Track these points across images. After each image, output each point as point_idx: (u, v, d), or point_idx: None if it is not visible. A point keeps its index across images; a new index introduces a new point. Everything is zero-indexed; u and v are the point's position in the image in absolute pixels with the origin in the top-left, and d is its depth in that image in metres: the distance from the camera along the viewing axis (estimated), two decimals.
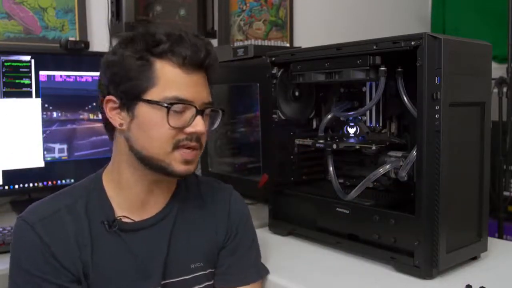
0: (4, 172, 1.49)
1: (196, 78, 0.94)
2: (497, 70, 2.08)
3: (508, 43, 2.20)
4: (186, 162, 0.94)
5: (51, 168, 1.57)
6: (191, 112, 0.92)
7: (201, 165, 1.98)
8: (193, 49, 0.92)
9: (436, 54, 1.03)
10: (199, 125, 0.93)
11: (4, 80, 1.48)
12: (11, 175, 1.50)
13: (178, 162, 0.93)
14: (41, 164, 1.55)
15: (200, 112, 0.93)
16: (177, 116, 0.91)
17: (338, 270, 1.15)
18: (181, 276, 1.00)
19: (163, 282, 0.97)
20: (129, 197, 0.98)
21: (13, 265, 0.92)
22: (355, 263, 1.18)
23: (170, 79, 0.91)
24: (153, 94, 0.91)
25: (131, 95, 0.92)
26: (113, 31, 1.87)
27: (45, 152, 1.56)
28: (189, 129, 0.92)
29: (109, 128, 0.98)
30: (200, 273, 1.02)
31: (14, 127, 1.50)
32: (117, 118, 0.94)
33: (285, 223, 1.39)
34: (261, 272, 1.10)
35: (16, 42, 1.72)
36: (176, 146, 0.92)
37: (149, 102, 0.91)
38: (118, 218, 0.95)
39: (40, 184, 1.56)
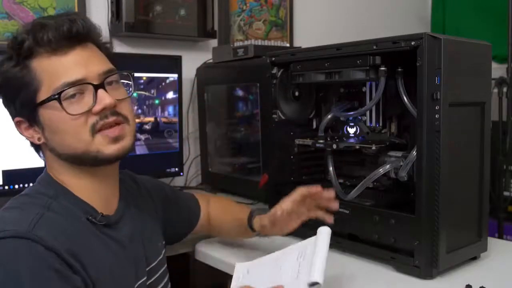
0: (4, 172, 1.49)
1: (76, 54, 0.85)
2: (497, 70, 2.08)
3: (508, 43, 2.20)
4: (115, 140, 0.86)
5: None
6: (89, 90, 0.85)
7: (201, 165, 1.99)
8: (56, 28, 0.84)
9: (436, 54, 1.03)
10: (104, 98, 0.84)
11: None
12: (11, 175, 1.50)
13: (105, 145, 0.86)
14: (41, 164, 1.55)
15: (100, 85, 0.85)
16: (76, 102, 0.84)
17: (338, 270, 1.15)
18: (157, 258, 1.03)
19: (147, 269, 0.98)
20: (99, 195, 0.92)
21: None
22: (355, 263, 1.18)
23: (50, 70, 0.84)
24: (43, 94, 0.84)
25: (27, 106, 0.86)
26: (113, 31, 1.87)
27: None
28: (96, 108, 0.84)
29: (36, 148, 0.93)
30: (163, 251, 1.07)
31: (14, 127, 1.50)
32: (33, 135, 0.89)
33: None
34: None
35: None
36: (95, 131, 0.85)
37: (43, 103, 0.84)
38: (101, 212, 0.90)
39: None
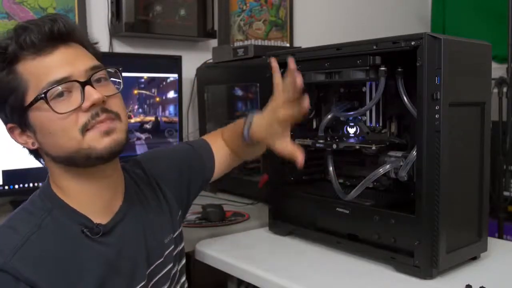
0: (4, 172, 1.49)
1: (60, 52, 0.84)
2: (497, 70, 2.08)
3: (508, 43, 2.20)
4: (106, 133, 0.84)
5: None
6: (76, 88, 0.83)
7: None
8: (38, 29, 0.82)
9: (436, 54, 1.03)
10: (92, 94, 0.82)
11: None
12: (11, 175, 1.50)
13: (97, 139, 0.83)
14: (41, 164, 1.55)
15: (87, 82, 0.83)
16: (64, 101, 0.82)
17: (338, 270, 1.15)
18: (162, 256, 1.00)
19: (147, 272, 0.95)
20: (94, 203, 0.90)
21: None
22: (355, 263, 1.18)
23: (36, 72, 0.83)
24: (31, 96, 0.83)
25: (17, 111, 0.85)
26: (113, 31, 1.87)
27: None
28: (84, 104, 0.82)
29: (35, 155, 0.92)
30: (172, 246, 1.03)
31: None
32: (27, 140, 0.88)
33: (285, 223, 1.38)
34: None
35: None
36: (86, 128, 0.83)
37: (31, 105, 0.83)
38: (96, 223, 0.88)
39: (40, 184, 1.56)
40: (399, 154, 1.18)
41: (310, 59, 1.28)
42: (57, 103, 0.82)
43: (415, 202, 1.07)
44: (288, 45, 1.94)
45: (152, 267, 0.98)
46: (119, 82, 0.92)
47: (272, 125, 1.08)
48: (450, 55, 1.03)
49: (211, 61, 1.93)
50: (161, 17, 1.90)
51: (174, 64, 1.80)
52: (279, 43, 1.80)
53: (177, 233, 1.07)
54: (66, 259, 0.84)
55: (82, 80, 0.83)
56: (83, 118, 0.83)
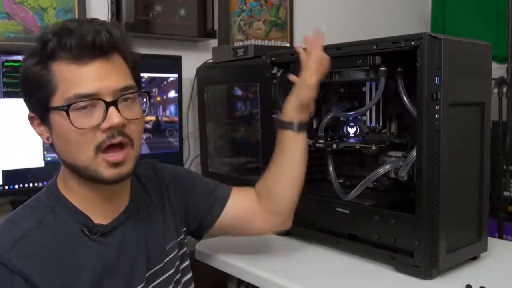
0: (4, 172, 1.49)
1: (95, 65, 0.83)
2: (497, 70, 2.08)
3: (508, 43, 2.20)
4: (114, 165, 0.85)
5: (51, 168, 1.57)
6: (101, 105, 0.83)
7: (201, 165, 1.98)
8: (80, 36, 0.82)
9: (436, 54, 1.03)
10: (113, 117, 0.82)
11: (4, 80, 1.48)
12: (11, 175, 1.50)
13: (104, 167, 0.85)
14: (41, 164, 1.55)
15: (112, 103, 0.83)
16: (87, 115, 0.83)
17: (338, 270, 1.15)
18: (162, 261, 1.00)
19: (146, 275, 0.96)
20: (97, 205, 0.91)
21: None
22: (355, 263, 1.18)
23: (67, 77, 0.83)
24: (57, 100, 0.84)
25: (41, 106, 0.86)
26: None
27: (45, 152, 1.56)
28: (103, 125, 0.83)
29: (51, 145, 0.92)
30: (173, 253, 1.03)
31: (14, 127, 1.50)
32: (43, 132, 0.89)
33: None
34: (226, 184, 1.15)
35: (16, 42, 1.72)
36: (100, 149, 0.84)
37: (54, 109, 0.84)
38: (96, 223, 0.90)
39: (40, 184, 1.56)
40: (399, 154, 1.18)
41: None
42: (78, 115, 0.83)
43: (415, 202, 1.07)
44: (288, 45, 1.94)
45: (152, 271, 0.98)
46: (146, 104, 0.92)
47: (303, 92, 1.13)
48: (450, 55, 1.03)
49: (211, 61, 1.92)
50: (161, 17, 1.89)
51: (174, 64, 1.80)
52: (279, 43, 1.80)
53: (180, 237, 1.07)
54: (64, 256, 0.85)
55: (108, 99, 0.83)
56: (100, 137, 0.84)
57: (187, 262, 1.10)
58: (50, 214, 0.88)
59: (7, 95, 1.48)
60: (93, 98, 0.83)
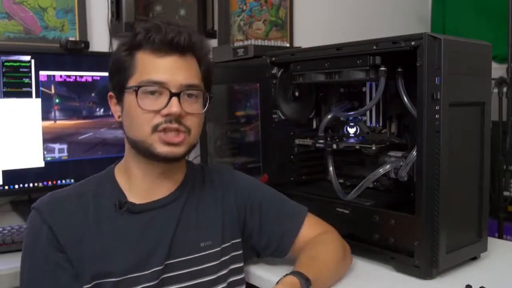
0: (4, 172, 1.49)
1: (170, 60, 0.97)
2: (497, 70, 2.08)
3: (508, 43, 2.20)
4: (168, 144, 0.96)
5: (51, 168, 1.57)
6: (166, 94, 0.96)
7: None
8: (164, 33, 0.96)
9: (436, 54, 1.03)
10: (173, 106, 0.95)
11: (4, 80, 1.48)
12: (11, 175, 1.50)
13: (159, 144, 0.96)
14: (41, 164, 1.55)
15: (176, 94, 0.96)
16: (151, 99, 0.96)
17: None
18: (189, 255, 1.02)
19: (166, 262, 0.99)
20: (139, 187, 1.02)
21: (25, 256, 0.95)
22: (355, 263, 1.18)
23: (145, 65, 0.97)
24: (132, 82, 0.97)
25: (119, 86, 0.99)
26: (113, 31, 1.87)
27: (45, 152, 1.56)
28: (163, 111, 0.95)
29: (120, 124, 1.04)
30: (209, 251, 1.04)
31: (14, 127, 1.50)
32: (117, 111, 1.02)
33: None
34: (303, 208, 1.15)
35: (16, 42, 1.72)
36: (156, 129, 0.96)
37: (128, 89, 0.97)
38: (130, 201, 1.00)
39: (40, 184, 1.56)
40: (399, 154, 1.18)
41: (310, 59, 1.28)
42: (145, 98, 0.95)
43: (415, 202, 1.07)
44: (288, 45, 1.94)
45: (176, 260, 1.00)
46: (206, 103, 1.02)
47: None
48: (450, 55, 1.03)
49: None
50: (161, 17, 1.89)
51: None
52: (279, 43, 1.80)
53: (225, 245, 1.07)
54: (88, 224, 0.96)
55: (173, 90, 0.96)
56: (157, 119, 0.95)
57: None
58: (94, 188, 1.01)
59: (7, 95, 1.49)
60: (161, 86, 0.95)
